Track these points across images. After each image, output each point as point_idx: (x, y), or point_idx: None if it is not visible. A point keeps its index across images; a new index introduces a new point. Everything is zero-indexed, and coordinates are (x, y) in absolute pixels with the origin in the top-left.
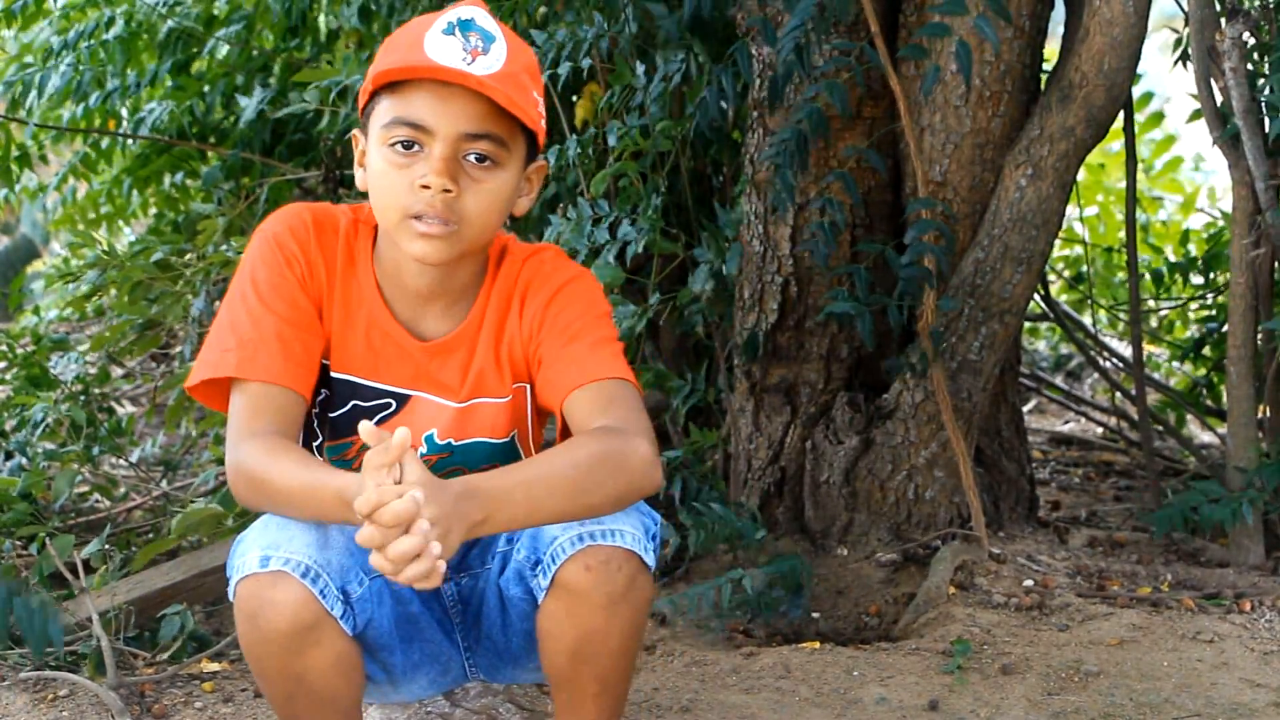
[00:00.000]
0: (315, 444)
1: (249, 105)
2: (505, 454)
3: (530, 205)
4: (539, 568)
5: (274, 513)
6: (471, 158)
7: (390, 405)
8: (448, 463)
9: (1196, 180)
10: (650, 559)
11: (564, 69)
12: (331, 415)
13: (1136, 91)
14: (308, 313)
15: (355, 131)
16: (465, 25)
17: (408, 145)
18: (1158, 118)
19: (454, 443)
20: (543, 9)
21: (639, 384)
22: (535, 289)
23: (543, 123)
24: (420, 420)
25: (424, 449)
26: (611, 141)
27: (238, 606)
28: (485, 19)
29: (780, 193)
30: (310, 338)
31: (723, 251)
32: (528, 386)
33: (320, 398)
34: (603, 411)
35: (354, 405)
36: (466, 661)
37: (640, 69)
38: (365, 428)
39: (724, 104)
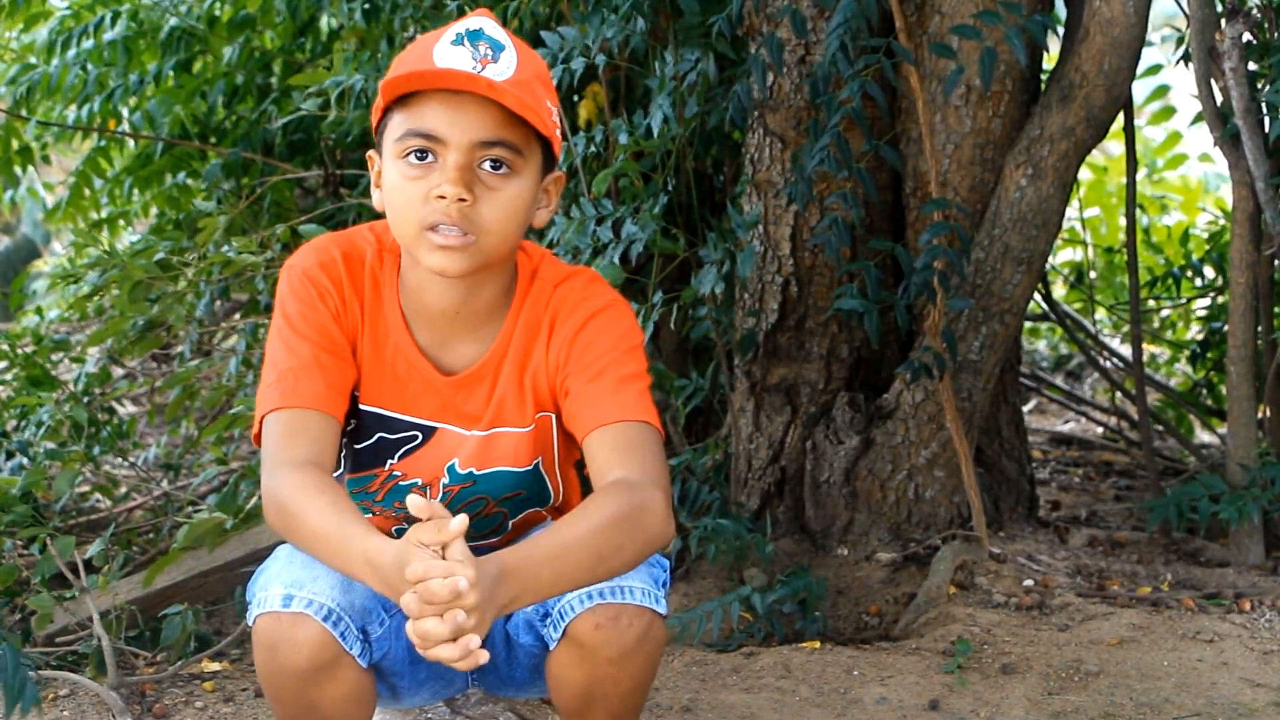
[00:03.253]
0: (336, 475)
1: (274, 122)
2: (528, 482)
3: (549, 217)
4: (548, 620)
5: (299, 549)
6: (486, 166)
7: (417, 438)
8: (470, 492)
9: (1198, 176)
10: (661, 607)
11: (578, 64)
12: (357, 447)
13: (1150, 85)
14: (341, 343)
15: (370, 153)
16: (474, 35)
17: (421, 156)
18: (1168, 111)
19: (475, 472)
20: (543, 9)
21: (660, 425)
22: (564, 318)
23: (558, 132)
24: (444, 451)
25: (446, 479)
26: (622, 139)
27: (256, 637)
28: (494, 29)
29: (798, 185)
30: (344, 366)
31: (732, 253)
32: (553, 416)
33: (347, 428)
34: (620, 459)
35: (380, 437)
36: (470, 677)
37: (668, 66)
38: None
39: (756, 95)
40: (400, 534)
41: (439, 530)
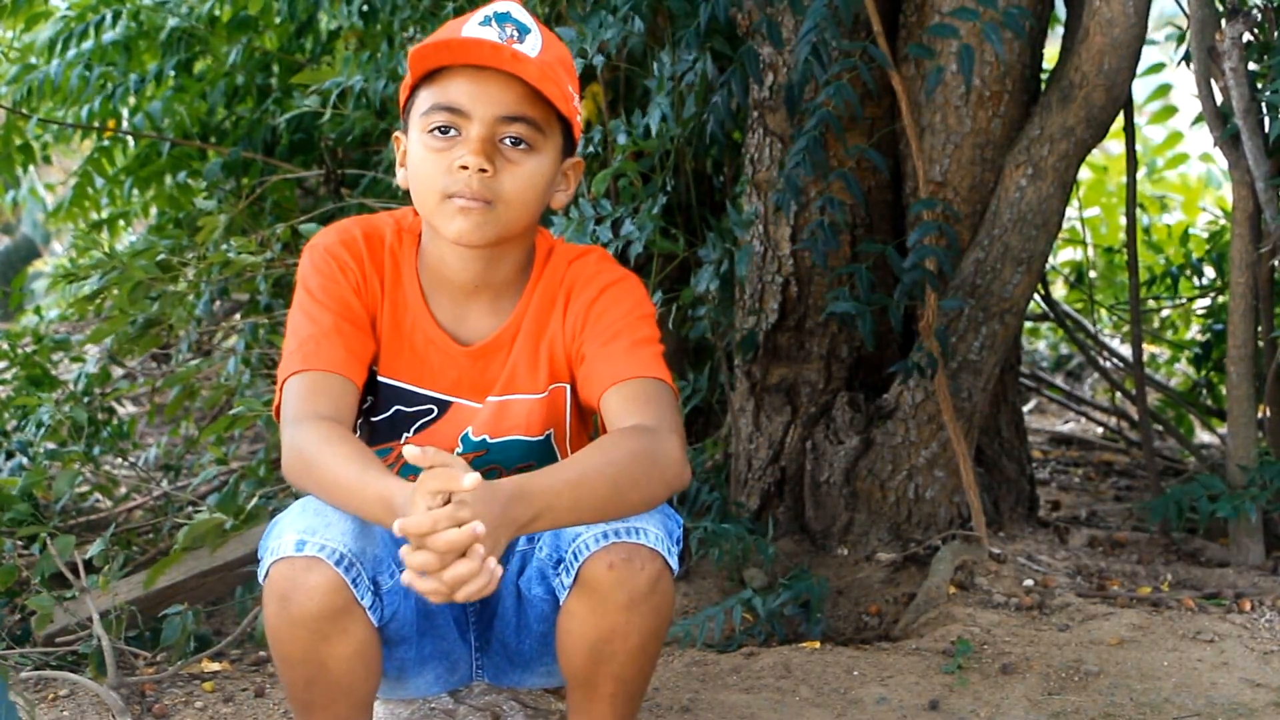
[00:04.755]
0: None
1: (276, 119)
2: (540, 452)
3: (567, 201)
4: (561, 566)
5: (319, 498)
6: (507, 141)
7: (432, 411)
8: (483, 460)
9: (1198, 174)
10: (673, 561)
11: (576, 64)
12: (374, 420)
13: (1151, 84)
14: (361, 315)
15: (396, 134)
16: (501, 17)
17: (445, 130)
18: (1169, 111)
19: (489, 440)
20: (543, 10)
21: (675, 386)
22: (580, 289)
23: (579, 117)
24: (458, 425)
25: (460, 448)
26: (621, 140)
27: (268, 588)
28: (521, 13)
29: (785, 193)
30: (364, 336)
31: (730, 252)
32: (567, 387)
33: (365, 404)
34: (637, 409)
35: (397, 410)
36: (475, 662)
37: (664, 66)
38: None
39: (734, 105)
40: None
41: (446, 478)
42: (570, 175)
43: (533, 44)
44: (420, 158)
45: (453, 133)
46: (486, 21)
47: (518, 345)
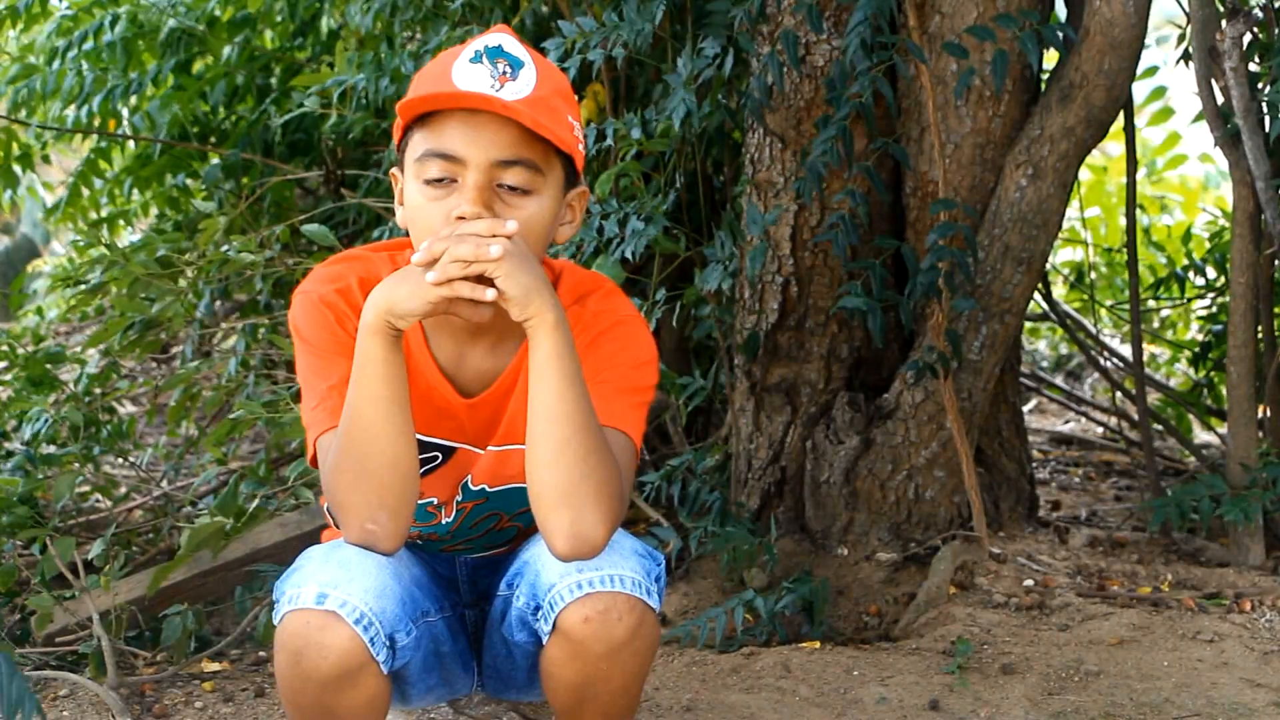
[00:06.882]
0: None
1: (274, 120)
2: None
3: (572, 234)
4: (540, 613)
5: (355, 446)
6: (505, 187)
7: (437, 458)
8: (483, 508)
9: (1198, 176)
10: (654, 601)
11: (595, 55)
12: None
13: (1148, 86)
14: None
15: (393, 170)
16: (493, 52)
17: (440, 179)
18: (1166, 112)
19: (488, 488)
20: (544, 8)
21: (640, 442)
22: (578, 333)
23: (581, 146)
24: (461, 471)
25: (460, 496)
26: (635, 134)
27: (281, 640)
28: (513, 45)
29: (808, 182)
30: None
31: (740, 252)
32: None
33: None
34: None
35: None
36: (475, 683)
37: (685, 62)
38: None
39: (757, 95)
40: (417, 547)
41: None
42: (575, 206)
43: (527, 79)
44: (416, 206)
45: (448, 180)
46: (477, 58)
47: (515, 394)
